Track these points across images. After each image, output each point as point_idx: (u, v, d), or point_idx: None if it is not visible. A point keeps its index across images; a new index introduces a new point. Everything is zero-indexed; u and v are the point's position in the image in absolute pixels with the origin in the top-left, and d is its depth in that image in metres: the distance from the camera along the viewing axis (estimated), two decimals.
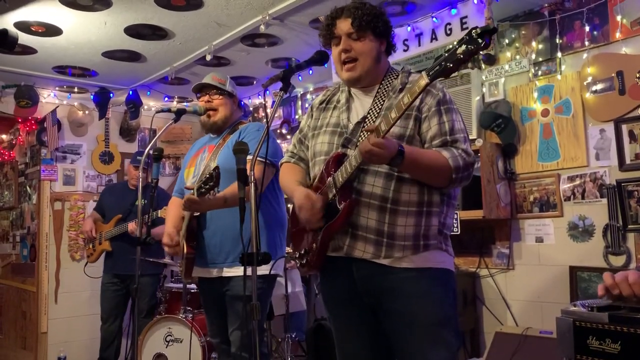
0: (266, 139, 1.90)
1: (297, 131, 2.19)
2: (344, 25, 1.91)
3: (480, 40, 1.46)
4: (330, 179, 1.86)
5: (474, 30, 1.47)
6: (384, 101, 1.92)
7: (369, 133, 1.69)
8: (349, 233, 1.85)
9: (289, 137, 5.00)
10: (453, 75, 3.69)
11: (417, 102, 1.85)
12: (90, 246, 4.48)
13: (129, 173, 4.60)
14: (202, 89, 2.82)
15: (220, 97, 2.78)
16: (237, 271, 2.55)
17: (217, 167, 2.32)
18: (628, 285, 1.48)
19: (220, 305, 2.66)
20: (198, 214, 2.63)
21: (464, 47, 1.49)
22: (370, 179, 1.84)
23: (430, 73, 1.56)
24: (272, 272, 2.60)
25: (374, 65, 1.94)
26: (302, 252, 1.97)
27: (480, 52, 1.57)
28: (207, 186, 2.31)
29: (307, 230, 1.94)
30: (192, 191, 2.42)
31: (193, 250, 2.64)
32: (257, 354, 1.78)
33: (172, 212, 2.84)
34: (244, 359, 2.55)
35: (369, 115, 1.91)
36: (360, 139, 1.87)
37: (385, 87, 1.95)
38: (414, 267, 1.83)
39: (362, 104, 1.98)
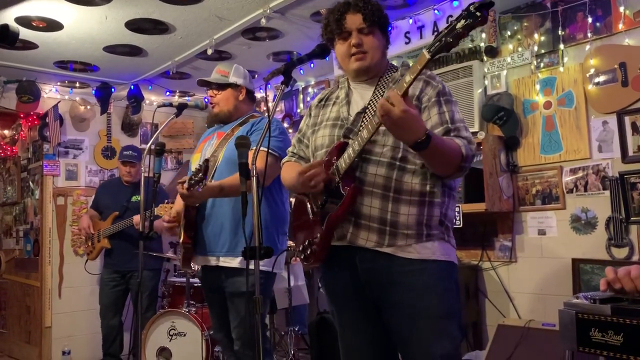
0: (268, 133, 1.90)
1: (297, 131, 2.20)
2: (355, 20, 1.92)
3: (478, 14, 1.48)
4: (333, 166, 1.86)
5: (471, 5, 1.49)
6: (384, 92, 1.92)
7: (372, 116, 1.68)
8: (352, 222, 1.86)
9: (290, 130, 4.99)
10: (455, 68, 3.73)
11: (417, 91, 1.87)
12: (89, 244, 4.50)
13: (119, 169, 4.60)
14: (205, 83, 2.84)
15: (220, 91, 2.79)
16: (232, 262, 2.56)
17: (206, 160, 2.35)
18: (630, 280, 1.47)
19: (221, 299, 2.67)
20: (197, 204, 2.64)
21: (462, 21, 1.50)
22: (373, 168, 1.84)
23: (431, 49, 1.55)
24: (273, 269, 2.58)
25: (381, 58, 1.98)
26: (306, 243, 1.97)
27: (479, 27, 1.59)
28: (197, 178, 2.33)
29: (311, 220, 1.94)
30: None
31: (190, 239, 2.64)
32: (261, 350, 1.77)
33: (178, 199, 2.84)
34: (248, 356, 2.56)
35: (369, 106, 1.92)
36: (361, 128, 1.86)
37: (386, 79, 1.97)
38: (418, 258, 1.83)
39: (362, 96, 1.99)
